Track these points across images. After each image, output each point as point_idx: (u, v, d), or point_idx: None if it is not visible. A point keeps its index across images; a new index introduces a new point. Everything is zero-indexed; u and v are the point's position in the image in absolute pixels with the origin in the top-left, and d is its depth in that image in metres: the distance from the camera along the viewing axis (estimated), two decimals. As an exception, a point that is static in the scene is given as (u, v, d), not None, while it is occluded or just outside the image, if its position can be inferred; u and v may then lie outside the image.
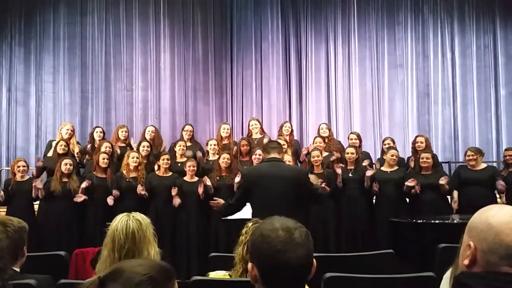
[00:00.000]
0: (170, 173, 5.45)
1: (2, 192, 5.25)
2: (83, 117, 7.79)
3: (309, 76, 8.04)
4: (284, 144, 5.59)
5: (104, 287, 1.08)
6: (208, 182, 5.22)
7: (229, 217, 4.45)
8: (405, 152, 6.56)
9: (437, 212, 5.05)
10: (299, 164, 5.93)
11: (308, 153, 5.65)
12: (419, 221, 4.81)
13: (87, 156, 5.90)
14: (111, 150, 5.65)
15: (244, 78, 8.05)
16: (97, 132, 6.14)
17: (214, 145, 5.86)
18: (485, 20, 7.96)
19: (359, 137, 6.06)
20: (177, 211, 5.32)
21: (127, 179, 5.30)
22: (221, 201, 3.96)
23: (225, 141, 6.11)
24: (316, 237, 5.37)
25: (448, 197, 5.49)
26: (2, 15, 7.85)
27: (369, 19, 8.08)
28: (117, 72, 7.93)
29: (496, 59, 7.88)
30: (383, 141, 6.15)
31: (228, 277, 2.36)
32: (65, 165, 5.22)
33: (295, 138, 6.75)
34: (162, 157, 5.44)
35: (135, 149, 5.77)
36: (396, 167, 5.44)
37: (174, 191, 5.21)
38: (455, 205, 5.27)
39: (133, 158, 5.35)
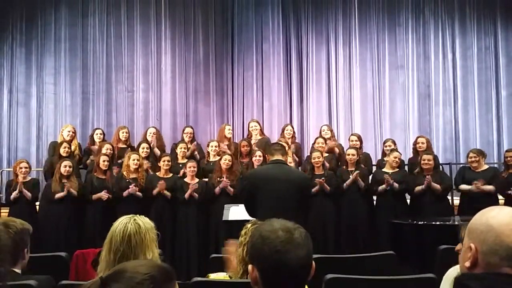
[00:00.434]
0: (171, 174, 5.46)
1: (16, 193, 5.23)
2: (84, 119, 7.79)
3: (310, 77, 8.03)
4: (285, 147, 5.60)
5: (106, 287, 1.08)
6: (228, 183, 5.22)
7: (229, 218, 4.45)
8: (406, 153, 6.56)
9: (438, 213, 5.05)
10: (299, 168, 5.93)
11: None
12: (419, 223, 4.80)
13: (91, 157, 5.91)
14: (111, 151, 5.66)
15: (245, 79, 8.05)
16: (97, 134, 6.15)
17: (215, 146, 5.86)
18: (486, 21, 7.96)
19: (359, 139, 6.06)
20: (178, 211, 5.33)
21: (128, 180, 5.31)
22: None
23: (227, 142, 6.12)
24: (316, 238, 5.42)
25: (449, 197, 5.50)
26: (3, 16, 7.87)
27: (370, 20, 8.08)
28: (118, 73, 7.94)
29: (497, 60, 7.88)
30: (384, 143, 6.14)
31: (228, 278, 2.36)
32: (65, 167, 5.24)
33: (296, 139, 6.75)
34: (162, 159, 5.45)
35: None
36: (397, 169, 5.44)
37: (192, 188, 5.20)
38: (479, 184, 5.14)
39: (133, 160, 5.36)
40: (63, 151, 5.62)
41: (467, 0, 8.01)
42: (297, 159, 5.96)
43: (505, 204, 5.05)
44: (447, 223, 4.69)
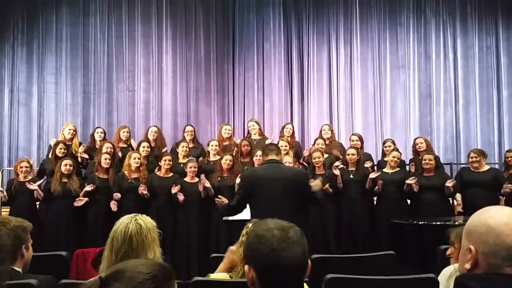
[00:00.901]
0: (171, 174, 5.46)
1: (5, 193, 5.26)
2: (85, 118, 7.80)
3: (311, 77, 8.03)
4: (285, 146, 5.60)
5: (107, 287, 1.08)
6: (207, 184, 5.21)
7: (230, 218, 4.45)
8: (407, 153, 6.55)
9: (438, 213, 5.04)
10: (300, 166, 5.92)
11: (309, 155, 5.65)
12: (420, 223, 4.79)
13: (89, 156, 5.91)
14: (112, 150, 5.65)
15: (246, 79, 8.05)
16: (97, 133, 6.15)
17: (216, 146, 5.86)
18: (487, 21, 7.95)
19: (360, 139, 6.06)
20: (178, 211, 5.33)
21: (129, 180, 5.31)
22: (225, 200, 4.11)
23: (226, 142, 6.11)
24: (317, 238, 5.41)
25: (450, 199, 5.48)
26: (4, 15, 7.88)
27: (371, 20, 8.07)
28: (119, 73, 7.94)
29: (498, 60, 7.87)
30: (384, 143, 6.14)
31: (229, 278, 2.35)
32: (65, 165, 5.24)
33: (297, 139, 6.75)
34: (163, 158, 5.44)
35: (135, 149, 5.78)
36: (397, 169, 5.44)
37: (175, 189, 5.20)
38: (459, 208, 5.26)
39: (134, 159, 5.36)
40: (59, 151, 5.61)
41: (468, -1, 8.02)
42: (301, 158, 5.97)
43: (506, 204, 5.05)
44: (448, 223, 4.68)
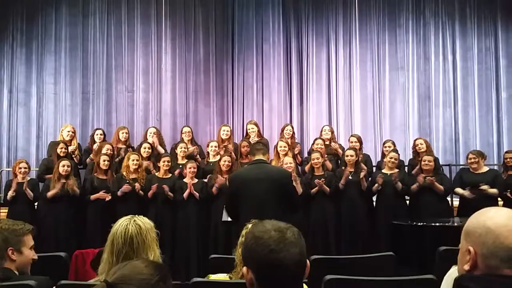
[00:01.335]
0: (170, 175, 5.46)
1: (15, 193, 5.21)
2: (84, 119, 7.79)
3: (310, 78, 8.03)
4: (285, 147, 5.60)
5: None
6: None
7: (229, 219, 4.44)
8: (406, 154, 6.55)
9: (437, 214, 5.04)
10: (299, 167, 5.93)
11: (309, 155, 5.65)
12: (419, 224, 4.79)
13: (90, 156, 5.91)
14: (111, 152, 5.65)
15: (245, 80, 8.05)
16: (97, 134, 6.15)
17: (215, 146, 5.86)
18: (487, 22, 7.96)
19: (359, 140, 6.06)
20: (177, 212, 5.32)
21: (128, 181, 5.30)
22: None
23: (225, 143, 6.11)
24: (316, 239, 5.40)
25: (448, 198, 5.49)
26: (3, 16, 7.87)
27: (370, 21, 8.08)
28: (118, 73, 7.93)
29: (497, 61, 7.88)
30: (384, 144, 6.14)
31: (229, 279, 2.35)
32: (63, 166, 5.24)
33: (296, 140, 6.74)
34: (162, 159, 5.44)
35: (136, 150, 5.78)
36: (396, 170, 5.44)
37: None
38: (466, 193, 5.18)
39: (133, 160, 5.36)
40: (60, 151, 5.61)
41: (468, 1, 8.02)
42: (299, 159, 5.97)
43: (504, 206, 5.05)
44: (447, 224, 4.69)
